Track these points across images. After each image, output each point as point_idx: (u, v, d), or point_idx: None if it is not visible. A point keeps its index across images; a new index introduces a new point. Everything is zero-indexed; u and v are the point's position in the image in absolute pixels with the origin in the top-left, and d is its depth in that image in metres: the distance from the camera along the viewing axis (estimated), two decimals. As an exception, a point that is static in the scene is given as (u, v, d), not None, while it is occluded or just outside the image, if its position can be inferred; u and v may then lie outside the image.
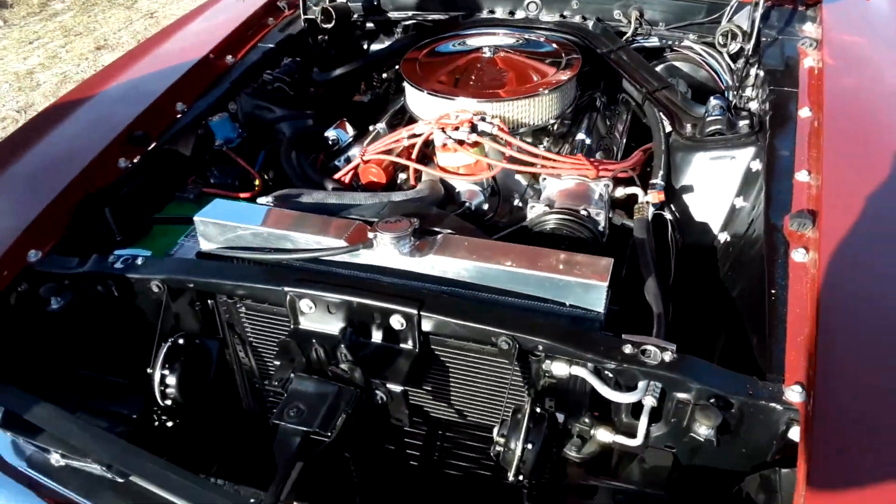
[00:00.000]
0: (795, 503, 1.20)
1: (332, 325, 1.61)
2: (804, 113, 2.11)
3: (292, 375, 1.54)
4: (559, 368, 1.49)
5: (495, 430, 1.50)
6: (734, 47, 2.45)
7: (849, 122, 2.03)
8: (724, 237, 2.12)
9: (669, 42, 2.76)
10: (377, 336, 1.60)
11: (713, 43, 2.67)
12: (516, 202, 2.23)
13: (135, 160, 2.13)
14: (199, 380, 1.69)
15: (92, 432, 1.49)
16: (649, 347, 1.44)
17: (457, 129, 2.11)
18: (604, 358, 1.43)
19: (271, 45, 2.72)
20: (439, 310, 1.52)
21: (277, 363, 1.59)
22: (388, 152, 2.23)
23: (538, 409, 1.46)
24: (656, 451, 1.52)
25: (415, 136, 2.20)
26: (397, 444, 1.79)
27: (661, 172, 2.12)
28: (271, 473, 2.00)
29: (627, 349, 1.44)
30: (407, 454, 1.81)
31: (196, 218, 1.80)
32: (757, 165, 2.05)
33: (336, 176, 2.26)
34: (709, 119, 2.15)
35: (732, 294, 1.84)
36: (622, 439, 1.49)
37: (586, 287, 1.56)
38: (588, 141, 2.30)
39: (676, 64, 2.75)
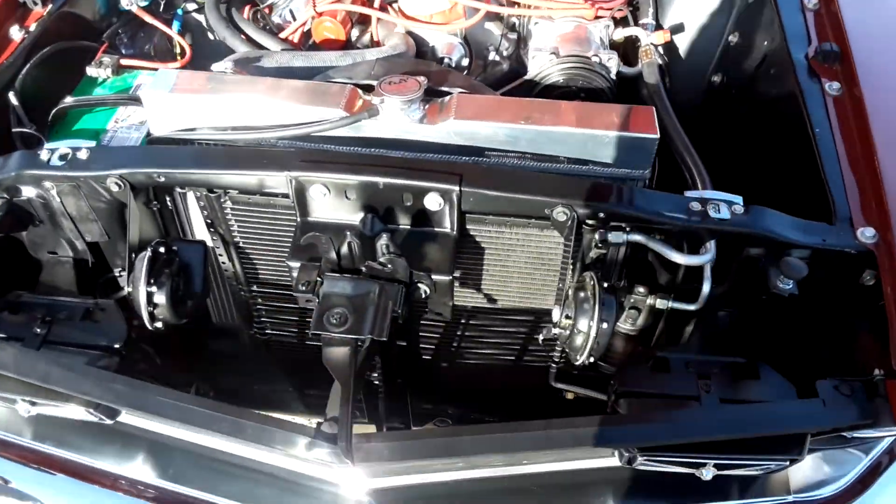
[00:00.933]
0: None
1: (350, 213, 1.36)
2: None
3: (319, 278, 1.29)
4: (616, 237, 1.33)
5: (556, 312, 1.36)
6: None
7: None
8: (717, 78, 2.00)
9: None
10: (405, 221, 1.37)
11: None
12: (491, 56, 1.98)
13: (30, 27, 1.67)
14: (187, 294, 1.41)
15: (74, 369, 1.21)
16: (716, 202, 1.32)
17: (428, -33, 1.80)
18: (671, 219, 1.29)
19: None
20: (483, 183, 1.30)
21: (294, 264, 1.33)
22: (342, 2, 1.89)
23: (605, 284, 1.32)
24: (712, 314, 1.43)
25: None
26: (435, 336, 1.62)
27: (651, 10, 1.94)
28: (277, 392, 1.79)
29: (695, 206, 1.31)
30: (445, 347, 1.65)
31: (144, 92, 1.44)
32: (753, -3, 1.90)
33: (283, 35, 1.90)
34: (697, -54, 1.96)
35: (760, 138, 1.73)
36: (681, 305, 1.39)
37: (635, 142, 1.39)
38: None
39: None
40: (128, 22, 1.94)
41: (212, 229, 1.50)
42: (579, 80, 1.65)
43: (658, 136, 1.38)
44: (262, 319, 1.72)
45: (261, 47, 1.85)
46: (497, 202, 1.32)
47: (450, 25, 1.86)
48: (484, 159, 1.44)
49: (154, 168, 1.34)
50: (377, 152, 1.45)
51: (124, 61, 1.78)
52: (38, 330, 1.35)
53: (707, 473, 1.18)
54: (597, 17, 1.82)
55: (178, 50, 1.98)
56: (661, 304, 1.41)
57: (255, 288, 1.63)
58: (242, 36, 1.86)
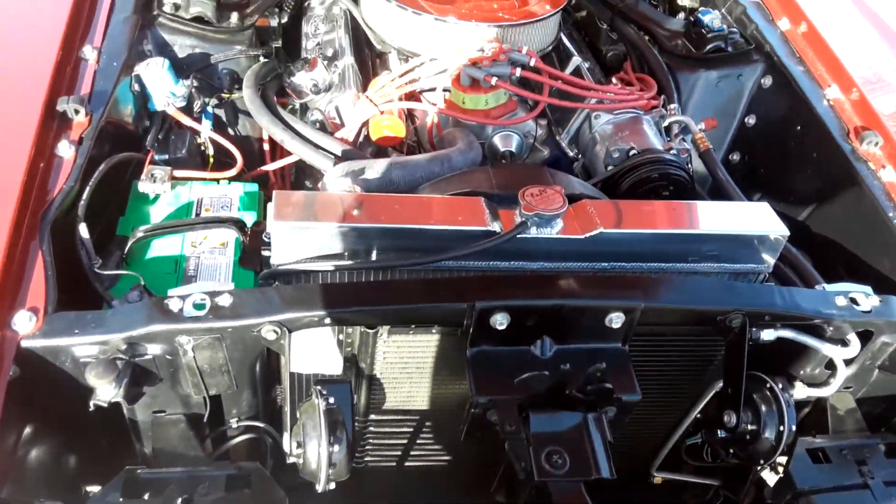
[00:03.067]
0: None
1: (523, 337, 1.29)
2: (784, 25, 2.17)
3: (522, 415, 1.21)
4: (768, 334, 1.39)
5: (729, 416, 1.37)
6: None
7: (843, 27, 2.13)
8: (736, 157, 2.14)
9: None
10: (576, 339, 1.32)
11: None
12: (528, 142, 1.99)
13: (79, 142, 1.44)
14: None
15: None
16: (857, 295, 1.41)
17: (490, 62, 1.78)
18: (826, 315, 1.37)
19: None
20: (665, 297, 1.30)
21: (482, 399, 1.23)
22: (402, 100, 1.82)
23: (779, 385, 1.36)
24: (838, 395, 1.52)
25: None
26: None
27: (675, 95, 2.05)
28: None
29: (840, 301, 1.39)
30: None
31: (272, 225, 1.28)
32: (768, 82, 2.07)
33: (339, 133, 1.79)
34: (710, 35, 2.10)
35: (801, 218, 1.87)
36: (815, 391, 1.47)
37: (766, 240, 1.46)
38: (587, 65, 2.11)
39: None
40: (162, 123, 1.72)
41: (347, 363, 1.35)
42: (669, 175, 1.70)
43: (788, 233, 1.45)
44: (366, 447, 1.58)
45: (315, 146, 1.73)
46: (673, 313, 1.32)
47: (521, 120, 1.84)
48: (622, 264, 1.44)
49: (319, 310, 1.19)
50: (522, 266, 1.40)
51: (177, 172, 1.58)
52: (182, 515, 1.14)
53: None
54: (652, 108, 1.89)
55: (210, 151, 1.79)
56: (800, 393, 1.48)
57: (372, 417, 1.49)
58: (294, 134, 1.73)
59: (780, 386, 1.35)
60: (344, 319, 1.22)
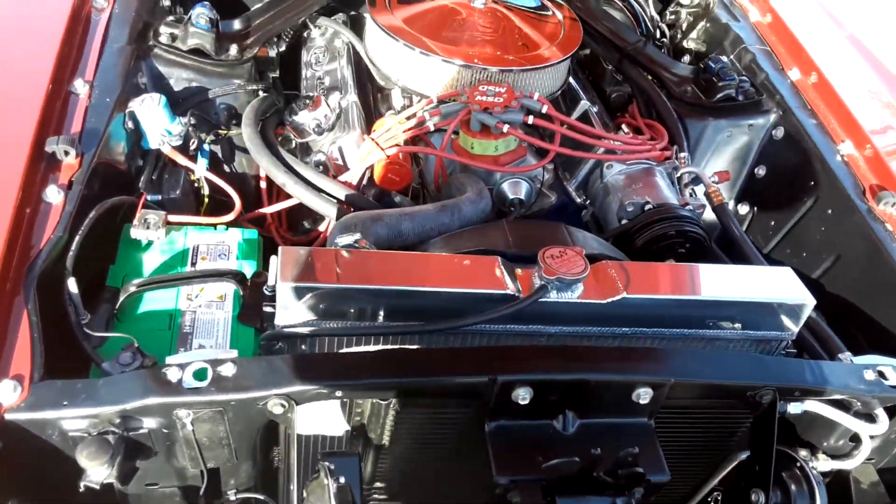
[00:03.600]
0: None
1: (545, 411, 1.22)
2: (795, 75, 2.14)
3: (547, 499, 1.13)
4: (795, 407, 1.33)
5: (757, 495, 1.31)
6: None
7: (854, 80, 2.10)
8: (745, 208, 2.10)
9: (598, -14, 2.57)
10: (599, 413, 1.25)
11: (640, -11, 2.57)
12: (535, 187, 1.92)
13: (69, 186, 1.34)
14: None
15: None
16: (885, 369, 1.36)
17: (503, 108, 1.71)
18: (856, 391, 1.31)
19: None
20: (695, 372, 1.23)
21: (506, 480, 1.15)
22: (407, 142, 1.75)
23: (809, 463, 1.30)
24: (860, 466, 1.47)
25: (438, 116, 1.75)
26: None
27: (686, 144, 2.00)
28: None
29: (869, 375, 1.34)
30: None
31: (280, 286, 1.19)
32: (780, 133, 2.03)
33: (343, 177, 1.71)
34: (721, 84, 2.06)
35: (816, 275, 1.83)
36: (839, 464, 1.41)
37: (791, 307, 1.40)
38: (595, 109, 2.06)
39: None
40: (155, 163, 1.63)
41: (355, 432, 1.27)
42: (686, 233, 1.64)
43: (814, 301, 1.40)
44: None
45: (317, 189, 1.65)
46: (702, 388, 1.26)
47: (532, 167, 1.78)
48: (642, 329, 1.38)
49: (330, 383, 1.11)
50: (539, 330, 1.32)
51: (172, 217, 1.48)
52: None
53: None
54: (666, 158, 1.84)
55: (205, 191, 1.70)
56: (824, 466, 1.42)
57: (376, 484, 1.40)
58: (297, 178, 1.65)
59: (809, 463, 1.29)
60: (357, 392, 1.13)
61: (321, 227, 1.83)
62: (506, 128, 1.70)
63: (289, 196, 1.74)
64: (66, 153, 1.36)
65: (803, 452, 1.43)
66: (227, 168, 1.92)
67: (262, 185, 1.90)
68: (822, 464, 1.42)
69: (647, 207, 1.68)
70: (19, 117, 1.38)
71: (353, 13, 2.25)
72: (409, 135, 1.74)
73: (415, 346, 1.26)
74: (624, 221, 1.70)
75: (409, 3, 2.03)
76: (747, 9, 2.44)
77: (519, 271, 1.34)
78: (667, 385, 1.21)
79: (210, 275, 1.36)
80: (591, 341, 1.37)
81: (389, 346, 1.25)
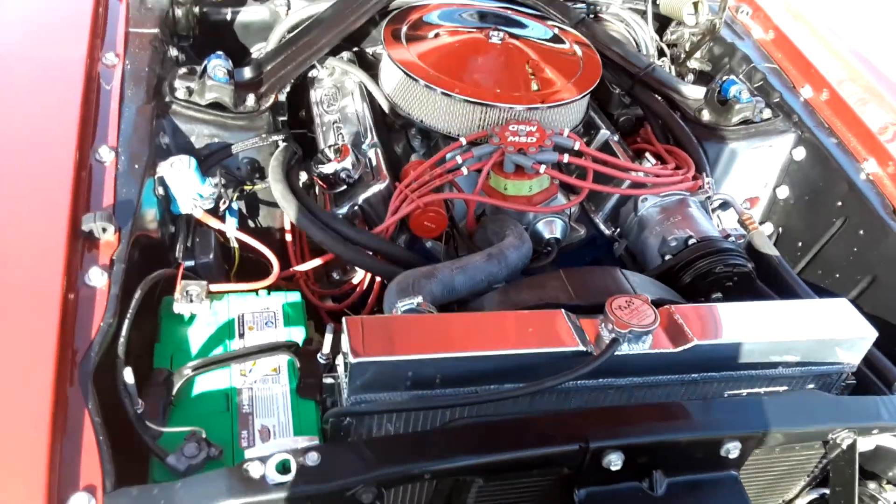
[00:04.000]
0: None
1: (633, 473, 1.18)
2: (807, 93, 2.15)
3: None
4: (865, 444, 1.32)
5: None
6: (703, 18, 2.35)
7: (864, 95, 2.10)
8: (769, 229, 2.10)
9: (597, 8, 2.55)
10: (688, 470, 1.22)
11: (641, 11, 2.56)
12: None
13: (111, 266, 1.26)
14: None
15: None
16: (952, 397, 1.36)
17: (537, 148, 1.68)
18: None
19: (153, 31, 1.82)
20: (780, 420, 1.21)
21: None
22: (437, 188, 1.70)
23: (881, 494, 1.28)
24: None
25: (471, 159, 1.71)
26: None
27: (708, 169, 1.99)
28: None
29: (939, 405, 1.33)
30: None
31: (353, 363, 1.14)
32: (801, 154, 2.04)
33: (378, 229, 1.66)
34: (738, 107, 2.05)
35: (851, 297, 1.83)
36: (905, 494, 1.41)
37: (855, 342, 1.39)
38: (616, 138, 2.04)
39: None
40: (187, 229, 1.56)
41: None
42: (733, 267, 1.62)
43: (876, 334, 1.39)
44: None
45: (355, 243, 1.60)
46: (787, 436, 1.24)
47: (564, 205, 1.76)
48: (711, 374, 1.36)
49: (419, 464, 1.06)
50: (609, 383, 1.29)
51: (213, 286, 1.42)
52: None
53: None
54: (699, 188, 1.82)
55: (236, 249, 1.64)
56: (891, 497, 1.41)
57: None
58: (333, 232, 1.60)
59: (881, 495, 1.28)
60: (446, 472, 1.09)
61: (354, 280, 1.77)
62: (542, 168, 1.67)
63: (321, 251, 1.68)
64: (104, 230, 1.29)
65: (872, 485, 1.42)
66: (250, 222, 1.86)
67: (288, 237, 1.84)
68: (891, 494, 1.41)
69: (690, 242, 1.66)
70: (51, 194, 1.31)
71: (356, 49, 2.20)
72: (442, 180, 1.70)
73: (492, 414, 1.22)
74: (668, 257, 1.68)
75: (423, 39, 1.99)
76: (749, 27, 2.46)
77: (584, 323, 1.31)
78: (755, 437, 1.19)
79: (265, 350, 1.30)
80: (662, 390, 1.35)
81: (467, 415, 1.21)
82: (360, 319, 1.22)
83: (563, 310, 1.31)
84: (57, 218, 1.26)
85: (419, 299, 1.30)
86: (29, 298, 1.15)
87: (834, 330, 1.38)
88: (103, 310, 1.20)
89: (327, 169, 1.70)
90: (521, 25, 2.12)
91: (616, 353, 1.26)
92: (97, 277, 1.23)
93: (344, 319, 1.20)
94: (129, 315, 1.23)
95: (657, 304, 1.37)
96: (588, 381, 1.30)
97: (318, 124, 2.01)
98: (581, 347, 1.25)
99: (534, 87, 1.84)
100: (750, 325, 1.36)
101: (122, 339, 1.20)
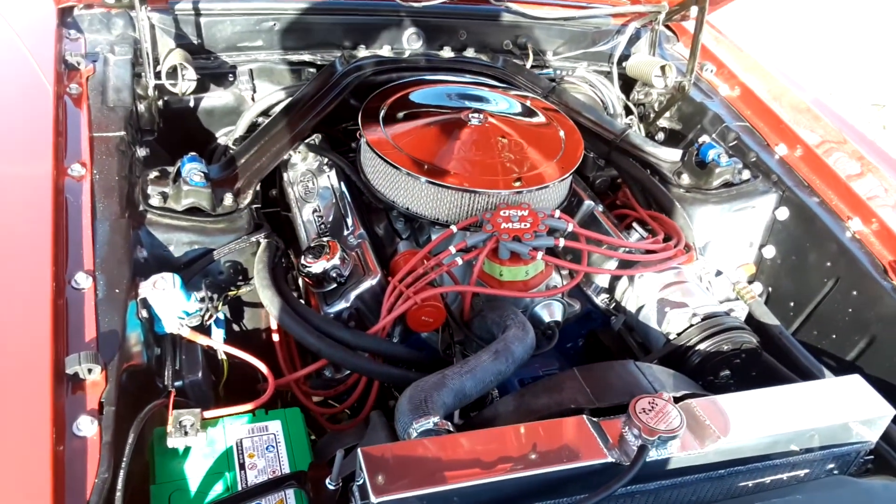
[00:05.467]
0: None
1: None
2: (782, 150, 2.17)
3: None
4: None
5: None
6: (671, 80, 2.37)
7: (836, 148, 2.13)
8: (759, 288, 2.09)
9: (563, 73, 2.56)
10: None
11: (606, 72, 2.58)
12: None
13: (100, 410, 1.16)
14: None
15: None
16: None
17: (532, 234, 1.64)
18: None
19: (119, 133, 1.73)
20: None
21: None
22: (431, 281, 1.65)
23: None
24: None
25: (466, 249, 1.66)
26: None
27: (692, 233, 1.98)
28: None
29: (965, 482, 1.32)
30: None
31: (375, 501, 1.06)
32: (784, 214, 2.05)
33: (374, 329, 1.59)
34: (718, 170, 2.05)
35: (851, 357, 1.82)
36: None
37: (871, 421, 1.37)
38: (600, 209, 2.02)
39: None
40: (173, 351, 1.46)
41: None
42: (741, 345, 1.60)
43: (894, 411, 1.37)
44: None
45: (349, 346, 1.53)
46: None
47: (552, 293, 1.71)
48: (737, 469, 1.31)
49: None
50: (638, 489, 1.24)
51: (207, 413, 1.32)
52: None
53: None
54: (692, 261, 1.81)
55: (225, 365, 1.54)
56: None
57: None
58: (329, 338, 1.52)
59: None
60: None
61: (345, 377, 1.69)
62: (539, 255, 1.62)
63: (314, 356, 1.60)
64: (90, 370, 1.19)
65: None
66: (235, 326, 1.76)
67: (275, 336, 1.75)
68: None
69: (693, 320, 1.63)
70: (30, 333, 1.21)
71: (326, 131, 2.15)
72: (437, 272, 1.64)
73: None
74: (671, 335, 1.65)
75: (400, 121, 1.94)
76: (716, 84, 2.49)
77: (607, 427, 1.26)
78: (797, 542, 1.14)
79: (271, 487, 1.21)
80: (688, 488, 1.30)
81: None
82: (376, 450, 1.14)
83: (584, 416, 1.26)
84: (39, 362, 1.16)
85: (435, 418, 1.23)
86: (17, 457, 1.05)
87: (853, 411, 1.36)
88: (96, 463, 1.10)
89: (316, 268, 1.62)
90: (498, 102, 2.10)
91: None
92: (87, 426, 1.13)
93: (359, 452, 1.12)
94: (123, 465, 1.13)
95: (676, 399, 1.33)
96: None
97: (297, 212, 1.94)
98: (609, 459, 1.19)
99: (516, 181, 1.80)
100: (772, 416, 1.33)
101: (118, 494, 1.10)
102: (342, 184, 1.97)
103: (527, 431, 1.26)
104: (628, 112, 2.60)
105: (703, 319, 1.62)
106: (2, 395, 1.14)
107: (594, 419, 1.26)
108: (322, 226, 1.88)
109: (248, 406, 1.39)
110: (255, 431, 1.36)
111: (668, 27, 2.69)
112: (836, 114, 2.43)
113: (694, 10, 2.36)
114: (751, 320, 1.78)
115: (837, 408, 1.37)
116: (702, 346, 1.58)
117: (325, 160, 2.03)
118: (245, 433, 1.35)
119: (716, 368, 1.60)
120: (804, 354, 1.68)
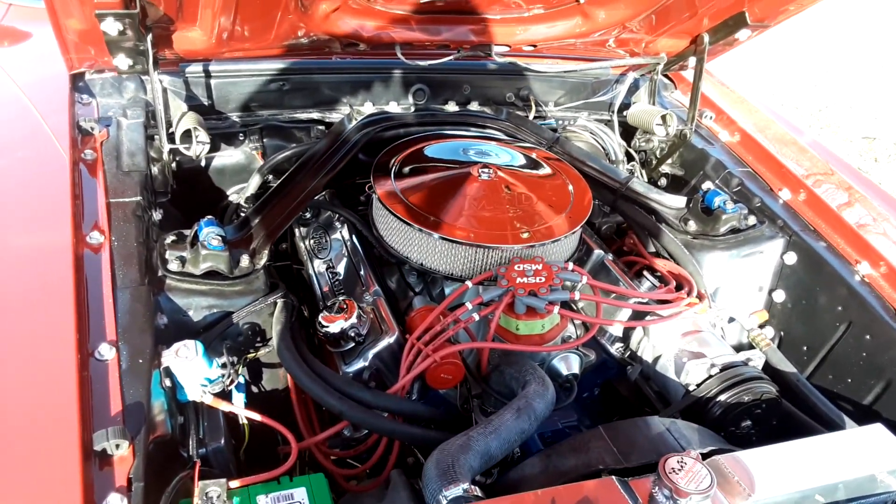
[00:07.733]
0: None
1: None
2: (785, 195, 2.20)
3: None
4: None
5: None
6: (672, 129, 2.41)
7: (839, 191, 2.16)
8: (770, 332, 2.10)
9: (565, 122, 2.60)
10: None
11: (606, 120, 2.63)
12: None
13: (128, 487, 1.16)
14: None
15: None
16: None
17: (547, 289, 1.66)
18: None
19: (136, 199, 1.75)
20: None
21: None
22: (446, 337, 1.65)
23: None
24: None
25: (482, 304, 1.67)
26: None
27: (702, 281, 2.00)
28: None
29: None
30: None
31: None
32: (792, 258, 2.07)
33: (394, 389, 1.59)
34: (725, 217, 2.08)
35: (868, 402, 1.83)
36: None
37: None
38: (610, 257, 2.03)
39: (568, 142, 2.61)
40: (196, 419, 1.46)
41: None
42: (762, 393, 1.60)
43: (919, 460, 1.38)
44: None
45: (370, 406, 1.53)
46: None
47: (569, 346, 1.72)
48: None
49: None
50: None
51: (233, 483, 1.31)
52: None
53: None
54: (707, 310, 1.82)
55: (246, 430, 1.53)
56: None
57: None
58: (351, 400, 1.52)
59: None
60: None
61: (364, 436, 1.68)
62: (556, 309, 1.64)
63: (332, 416, 1.60)
64: (118, 446, 1.18)
65: None
66: (254, 388, 1.76)
67: (293, 396, 1.74)
68: None
69: (712, 371, 1.64)
70: (57, 408, 1.20)
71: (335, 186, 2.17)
72: (455, 329, 1.65)
73: None
74: (690, 386, 1.65)
75: (411, 177, 1.97)
76: (716, 130, 2.53)
77: (637, 487, 1.26)
78: None
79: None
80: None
81: None
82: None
83: (614, 478, 1.26)
84: (68, 439, 1.16)
85: (465, 485, 1.23)
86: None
87: (877, 461, 1.37)
88: (127, 545, 1.09)
89: (334, 328, 1.63)
90: (506, 156, 2.13)
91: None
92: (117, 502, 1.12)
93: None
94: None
95: (704, 455, 1.33)
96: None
97: (309, 266, 1.95)
98: (641, 521, 1.19)
99: (525, 234, 1.82)
100: (798, 470, 1.33)
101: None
102: (354, 238, 1.98)
103: (558, 496, 1.26)
104: (630, 159, 2.64)
105: (721, 370, 1.63)
106: (32, 473, 1.13)
107: (624, 479, 1.26)
108: (336, 281, 1.89)
109: (273, 473, 1.38)
110: (280, 500, 1.35)
111: (666, 76, 2.75)
112: (835, 154, 2.48)
113: (692, 60, 2.41)
114: (767, 367, 1.79)
115: (862, 459, 1.37)
116: (722, 398, 1.59)
117: (337, 215, 2.05)
118: (271, 502, 1.34)
119: (737, 419, 1.61)
120: (823, 401, 1.69)
